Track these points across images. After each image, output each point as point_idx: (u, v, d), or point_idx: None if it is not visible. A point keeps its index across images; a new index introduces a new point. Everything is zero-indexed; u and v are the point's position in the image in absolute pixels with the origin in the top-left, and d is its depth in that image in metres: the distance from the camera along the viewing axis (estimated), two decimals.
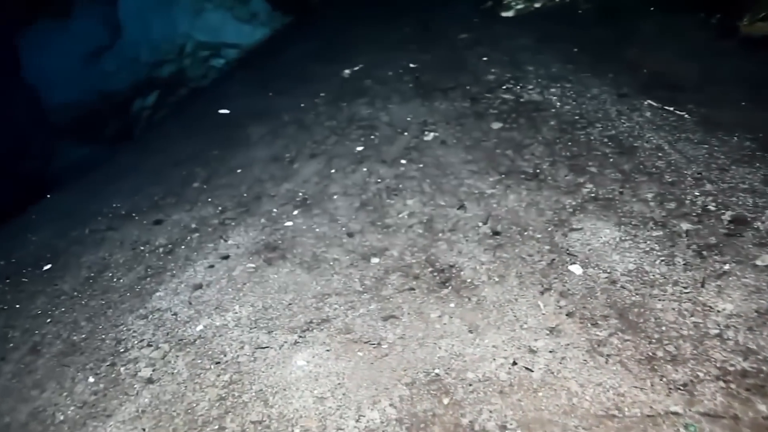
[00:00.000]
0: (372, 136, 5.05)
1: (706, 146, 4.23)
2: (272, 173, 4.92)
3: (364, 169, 4.59)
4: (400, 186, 4.28)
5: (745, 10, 5.60)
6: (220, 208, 4.62)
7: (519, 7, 7.26)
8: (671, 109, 4.81)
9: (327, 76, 6.61)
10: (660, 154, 4.17)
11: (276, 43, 9.86)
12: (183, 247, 4.26)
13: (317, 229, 4.01)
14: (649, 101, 4.94)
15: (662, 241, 3.36)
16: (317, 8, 10.95)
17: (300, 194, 4.49)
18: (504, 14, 7.19)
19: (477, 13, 7.37)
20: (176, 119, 8.21)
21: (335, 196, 4.34)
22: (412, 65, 6.26)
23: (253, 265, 3.80)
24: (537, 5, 7.22)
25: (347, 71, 6.52)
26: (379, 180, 4.42)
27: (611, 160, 4.17)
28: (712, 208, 3.55)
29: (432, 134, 4.86)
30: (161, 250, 4.32)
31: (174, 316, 3.56)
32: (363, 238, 3.83)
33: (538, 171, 4.17)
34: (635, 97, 5.03)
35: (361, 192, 4.32)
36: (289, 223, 4.15)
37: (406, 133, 4.97)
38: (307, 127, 5.55)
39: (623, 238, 3.42)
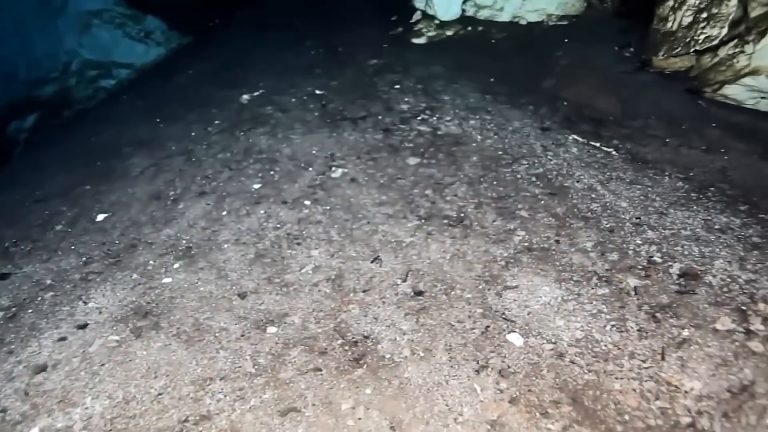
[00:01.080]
0: (271, 172, 4.34)
1: (640, 187, 3.89)
2: (152, 215, 4.09)
3: (262, 212, 3.87)
4: (304, 233, 3.60)
5: (657, 45, 5.46)
6: (84, 258, 3.73)
7: (431, 34, 6.87)
8: (597, 144, 4.48)
9: (224, 101, 5.85)
10: (593, 196, 3.77)
11: (171, 64, 8.94)
12: (30, 311, 3.34)
13: (202, 288, 3.24)
14: (574, 136, 4.60)
15: (610, 301, 2.88)
16: (218, 29, 10.16)
17: (183, 242, 3.69)
18: (415, 41, 6.77)
19: (387, 38, 6.90)
20: (53, 145, 7.09)
21: (225, 245, 3.59)
22: (318, 91, 5.64)
23: (116, 338, 2.96)
24: (449, 33, 6.86)
25: (246, 96, 5.80)
26: (278, 225, 3.71)
27: (542, 202, 3.72)
28: (658, 260, 3.15)
29: (340, 170, 4.23)
30: (1, 315, 3.37)
31: (1, 415, 2.65)
32: (258, 300, 3.10)
33: (462, 215, 3.63)
34: (559, 131, 4.67)
35: (256, 240, 3.60)
36: (168, 280, 3.35)
37: (310, 169, 4.31)
38: (197, 159, 4.76)
39: (566, 298, 2.92)
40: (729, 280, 2.98)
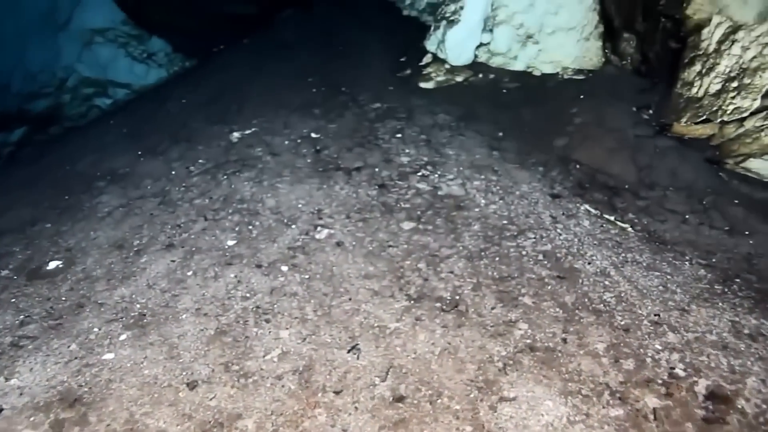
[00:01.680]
0: (250, 226, 3.93)
1: (658, 274, 3.45)
2: (110, 268, 3.66)
3: (232, 275, 3.44)
4: (275, 307, 3.16)
5: (679, 110, 5.08)
6: (22, 316, 3.29)
7: (440, 78, 6.52)
8: (612, 218, 4.06)
9: (212, 137, 5.48)
10: (607, 283, 3.33)
11: (167, 89, 8.57)
12: None
13: (146, 371, 2.79)
14: (587, 206, 4.18)
15: (624, 426, 2.43)
16: (222, 54, 9.88)
17: (137, 306, 3.25)
18: (423, 85, 6.41)
19: (393, 80, 6.55)
20: (29, 166, 6.70)
21: (184, 315, 3.14)
22: (313, 135, 5.26)
23: None
24: (459, 79, 6.51)
25: (236, 134, 5.42)
26: (248, 294, 3.28)
27: (549, 287, 3.28)
28: (681, 373, 2.70)
29: (326, 231, 3.81)
30: None
31: None
32: (209, 393, 2.64)
33: (457, 297, 3.19)
34: (570, 199, 4.26)
35: (220, 311, 3.16)
36: (110, 356, 2.90)
37: (293, 227, 3.89)
38: (171, 203, 4.35)
39: (572, 418, 2.46)
40: (765, 407, 2.53)
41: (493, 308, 3.10)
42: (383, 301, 3.16)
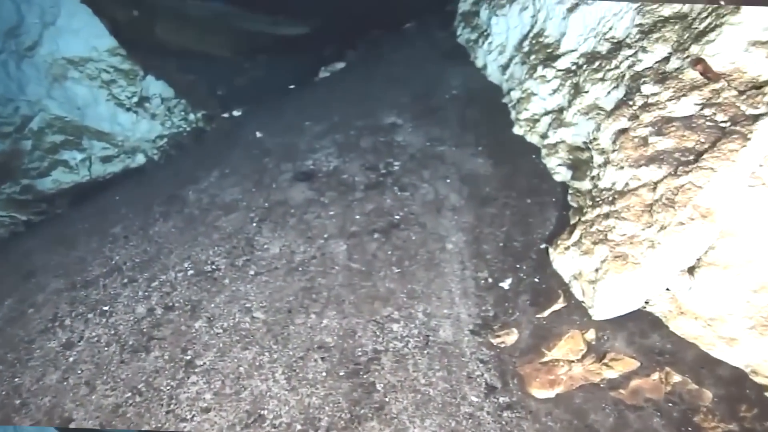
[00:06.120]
0: None
1: None
2: None
3: None
4: None
5: None
6: None
7: (574, 372, 3.23)
8: None
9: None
10: None
11: (151, 173, 5.30)
12: None
13: None
14: None
15: None
16: (233, 122, 6.74)
17: None
18: (538, 393, 3.13)
19: (483, 359, 3.30)
20: None
21: None
22: None
23: None
24: (610, 374, 3.24)
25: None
26: None
27: None
28: None
29: None
30: None
31: None
32: None
33: None
34: None
35: None
36: None
37: None
38: None
39: None
40: None
41: None
42: None
